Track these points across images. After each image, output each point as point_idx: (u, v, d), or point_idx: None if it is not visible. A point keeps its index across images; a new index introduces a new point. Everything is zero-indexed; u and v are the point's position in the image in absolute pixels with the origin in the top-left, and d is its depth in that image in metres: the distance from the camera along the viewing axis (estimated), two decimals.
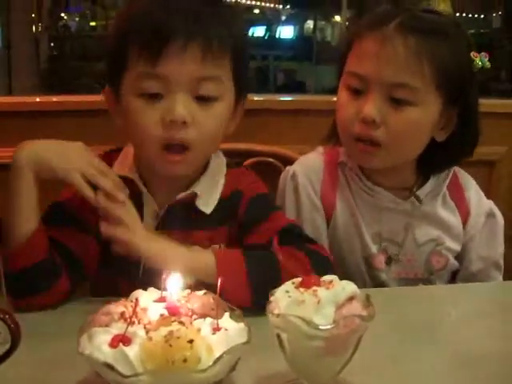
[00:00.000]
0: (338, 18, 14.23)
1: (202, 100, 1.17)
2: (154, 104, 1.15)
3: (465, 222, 1.51)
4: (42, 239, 1.16)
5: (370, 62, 1.32)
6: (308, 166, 1.51)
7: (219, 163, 1.32)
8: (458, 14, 11.79)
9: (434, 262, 1.47)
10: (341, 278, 1.05)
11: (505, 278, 1.54)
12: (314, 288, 0.81)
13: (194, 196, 1.25)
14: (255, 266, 1.15)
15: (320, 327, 0.77)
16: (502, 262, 1.53)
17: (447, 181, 1.51)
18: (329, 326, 0.77)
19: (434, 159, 1.44)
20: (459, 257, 1.51)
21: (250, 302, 1.08)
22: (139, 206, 1.23)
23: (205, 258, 1.16)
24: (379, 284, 1.45)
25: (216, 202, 1.27)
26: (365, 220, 1.45)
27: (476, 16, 11.74)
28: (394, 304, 1.21)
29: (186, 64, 1.13)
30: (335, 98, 1.82)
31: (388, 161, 1.39)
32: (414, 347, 1.05)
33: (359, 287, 1.13)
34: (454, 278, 1.53)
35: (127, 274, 1.21)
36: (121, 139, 2.04)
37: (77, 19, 8.51)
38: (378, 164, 1.41)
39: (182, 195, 1.25)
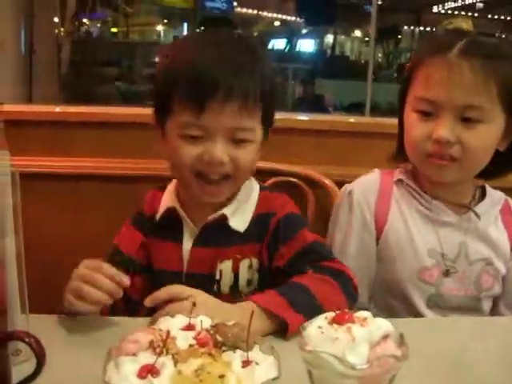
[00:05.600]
0: (357, 33, 14.29)
1: (238, 142, 1.31)
2: (195, 143, 1.29)
3: None
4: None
5: (438, 88, 1.40)
6: (365, 185, 1.59)
7: (250, 186, 1.44)
8: None
9: (484, 280, 1.52)
10: (392, 290, 1.47)
11: None
12: (349, 325, 0.79)
13: (225, 217, 1.38)
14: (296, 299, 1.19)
15: (354, 366, 0.74)
16: None
17: (500, 204, 1.58)
18: (364, 366, 0.75)
19: (494, 167, 1.50)
20: (504, 282, 1.55)
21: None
22: (180, 229, 1.41)
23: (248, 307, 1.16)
24: (428, 298, 1.49)
25: (248, 223, 1.40)
26: (421, 234, 1.51)
27: (497, 35, 11.73)
28: (427, 337, 1.18)
29: (225, 118, 1.27)
30: (352, 119, 2.17)
31: (460, 174, 1.47)
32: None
33: (409, 300, 1.43)
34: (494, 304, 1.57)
35: None
36: (139, 153, 2.05)
37: (98, 25, 8.58)
38: (451, 177, 1.47)
39: (211, 217, 1.39)
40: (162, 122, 1.35)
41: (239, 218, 1.40)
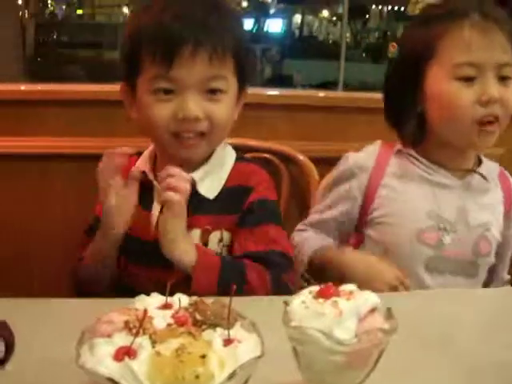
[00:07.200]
0: (325, 13, 14.24)
1: (211, 93, 1.31)
2: (167, 100, 1.29)
3: (508, 212, 1.60)
4: None
5: (478, 50, 1.43)
6: (362, 154, 1.61)
7: (225, 154, 1.43)
8: None
9: (482, 246, 1.53)
10: (390, 254, 1.49)
11: None
12: (334, 299, 0.75)
13: (194, 183, 1.34)
14: (227, 273, 1.26)
15: (342, 342, 0.71)
16: None
17: (497, 170, 1.62)
18: (352, 341, 0.71)
19: None
20: (498, 249, 1.58)
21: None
22: (151, 195, 1.37)
23: (189, 255, 1.25)
24: (427, 260, 1.49)
25: (219, 190, 1.38)
26: (419, 197, 1.53)
27: None
28: (413, 309, 1.15)
29: (195, 68, 1.27)
30: (322, 94, 2.26)
31: (498, 132, 1.49)
32: (431, 357, 0.99)
33: (407, 263, 1.47)
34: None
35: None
36: (107, 131, 1.99)
37: (64, 7, 8.42)
38: (494, 139, 1.49)
39: None
40: (132, 84, 1.35)
41: (209, 184, 1.38)
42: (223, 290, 1.16)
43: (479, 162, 1.59)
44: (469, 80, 1.44)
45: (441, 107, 1.48)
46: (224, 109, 1.33)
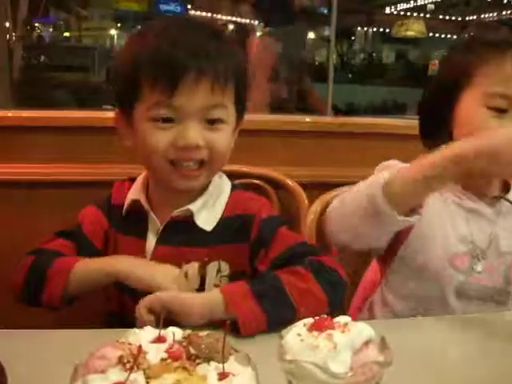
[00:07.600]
0: (311, 35, 14.32)
1: (211, 123, 1.29)
2: (166, 128, 1.26)
3: None
4: None
5: None
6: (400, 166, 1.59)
7: (220, 184, 1.40)
8: (431, 34, 11.94)
9: None
10: (421, 275, 1.48)
11: None
12: (329, 332, 0.75)
13: (191, 214, 1.33)
14: (259, 285, 1.19)
15: (338, 375, 0.71)
16: None
17: None
18: (348, 374, 0.71)
19: None
20: None
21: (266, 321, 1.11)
22: (146, 224, 1.37)
23: (213, 296, 1.18)
24: (457, 285, 1.48)
25: (216, 221, 1.35)
26: (452, 221, 1.51)
27: (449, 36, 11.93)
28: (407, 338, 1.14)
29: (197, 96, 1.25)
30: (308, 118, 2.15)
31: None
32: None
33: (438, 286, 1.47)
34: None
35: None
36: (98, 157, 1.98)
37: (50, 29, 8.45)
38: None
39: (176, 212, 1.33)
40: (129, 110, 1.31)
41: (206, 215, 1.35)
42: (267, 305, 1.13)
43: (508, 189, 1.58)
44: (500, 111, 1.43)
45: (468, 133, 1.46)
46: (224, 137, 1.31)
